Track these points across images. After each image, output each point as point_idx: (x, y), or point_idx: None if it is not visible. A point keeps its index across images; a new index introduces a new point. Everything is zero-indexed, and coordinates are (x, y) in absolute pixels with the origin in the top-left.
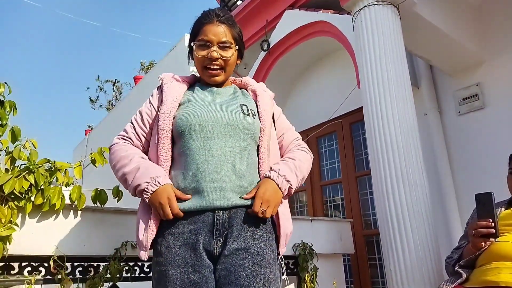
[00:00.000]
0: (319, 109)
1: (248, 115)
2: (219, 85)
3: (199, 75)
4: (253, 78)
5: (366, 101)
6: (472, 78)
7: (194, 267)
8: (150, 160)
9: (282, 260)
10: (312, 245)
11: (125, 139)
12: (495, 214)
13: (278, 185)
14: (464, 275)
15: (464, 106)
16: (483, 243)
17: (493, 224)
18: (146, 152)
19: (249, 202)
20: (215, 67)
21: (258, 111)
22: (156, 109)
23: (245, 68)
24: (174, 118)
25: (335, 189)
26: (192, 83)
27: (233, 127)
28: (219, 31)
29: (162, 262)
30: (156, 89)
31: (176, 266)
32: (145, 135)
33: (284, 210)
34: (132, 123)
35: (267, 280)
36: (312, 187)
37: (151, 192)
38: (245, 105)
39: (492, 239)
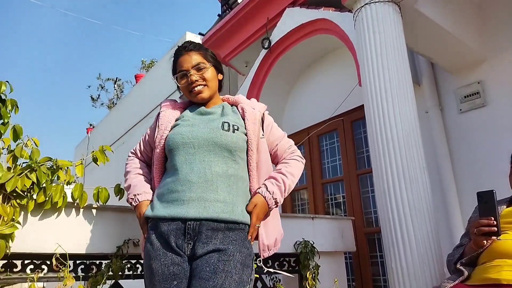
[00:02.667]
0: (320, 107)
1: (228, 130)
2: (209, 103)
3: None
4: (254, 76)
5: (367, 99)
6: (473, 76)
7: (174, 260)
8: (152, 170)
9: (263, 268)
10: (313, 243)
11: (133, 153)
12: (497, 212)
13: (268, 205)
14: (466, 273)
15: (466, 104)
16: (484, 241)
17: (495, 222)
18: (150, 163)
19: (219, 217)
20: (199, 87)
21: (246, 128)
22: (154, 133)
23: (246, 66)
24: (166, 138)
25: (337, 187)
26: (187, 106)
27: (212, 143)
28: (190, 59)
29: (148, 257)
30: (157, 114)
31: (158, 260)
32: (147, 152)
33: (273, 219)
34: (140, 141)
35: (229, 279)
36: (314, 185)
37: (134, 206)
38: (227, 122)
39: (493, 237)
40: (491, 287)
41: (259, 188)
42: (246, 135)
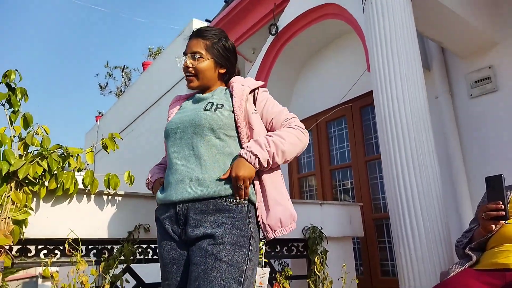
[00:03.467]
0: (328, 94)
1: (209, 110)
2: (206, 90)
3: None
4: (261, 63)
5: (376, 84)
6: (484, 61)
7: (172, 246)
8: None
9: (263, 245)
10: (321, 228)
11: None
12: (505, 196)
13: (246, 160)
14: (475, 258)
15: (476, 89)
16: (493, 226)
17: (503, 207)
18: None
19: (206, 193)
20: (188, 74)
21: (232, 105)
22: None
23: (253, 53)
24: None
25: (345, 174)
26: (192, 96)
27: (193, 124)
28: (191, 44)
29: (157, 244)
30: None
31: (161, 246)
32: None
33: (276, 196)
34: None
35: (218, 262)
36: (322, 171)
37: (151, 188)
38: (211, 102)
39: (502, 222)
40: (500, 272)
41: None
42: (233, 112)
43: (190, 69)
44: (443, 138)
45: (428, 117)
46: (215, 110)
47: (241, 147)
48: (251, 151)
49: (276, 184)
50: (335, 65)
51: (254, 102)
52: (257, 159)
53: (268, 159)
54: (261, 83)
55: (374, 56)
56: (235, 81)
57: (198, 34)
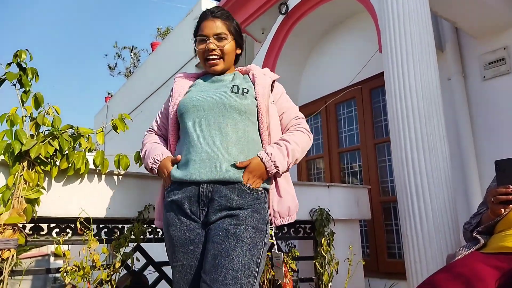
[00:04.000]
0: (338, 75)
1: (237, 93)
2: (221, 73)
3: None
4: (270, 43)
5: (387, 65)
6: (499, 41)
7: (189, 226)
8: (168, 140)
9: (274, 233)
10: (329, 210)
11: (150, 131)
12: None
13: (266, 168)
14: (482, 241)
15: (490, 70)
16: (502, 210)
17: None
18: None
19: (230, 177)
20: (214, 56)
21: (255, 92)
22: (169, 102)
23: (262, 33)
24: (178, 104)
25: (353, 156)
26: (201, 76)
27: (221, 105)
28: (214, 25)
29: (166, 224)
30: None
31: (174, 226)
32: (164, 124)
33: (285, 184)
34: (157, 116)
35: (240, 243)
36: (330, 154)
37: (156, 168)
38: (237, 85)
39: (511, 205)
40: (507, 256)
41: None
42: (256, 99)
43: (216, 51)
44: (454, 120)
45: (440, 100)
46: (242, 94)
47: (260, 135)
48: (274, 162)
49: (286, 173)
50: (346, 46)
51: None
52: (276, 169)
53: (285, 170)
54: (278, 76)
55: (387, 36)
56: (255, 69)
57: (218, 15)
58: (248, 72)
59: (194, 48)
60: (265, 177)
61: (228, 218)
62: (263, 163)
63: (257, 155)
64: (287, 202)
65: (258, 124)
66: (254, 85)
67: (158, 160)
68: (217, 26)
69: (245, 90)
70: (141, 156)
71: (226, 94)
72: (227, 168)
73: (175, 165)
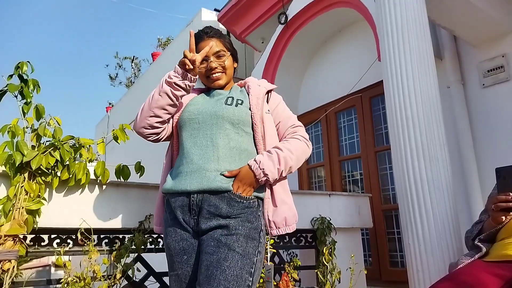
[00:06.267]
0: (338, 83)
1: (230, 104)
2: (223, 87)
3: None
4: (270, 53)
5: (387, 74)
6: (497, 49)
7: (182, 236)
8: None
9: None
10: (330, 219)
11: None
12: None
13: (255, 176)
14: (484, 249)
15: (489, 78)
16: (503, 217)
17: None
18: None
19: (221, 186)
20: (217, 74)
21: (249, 103)
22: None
23: (262, 43)
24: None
25: (354, 164)
26: (202, 92)
27: (214, 116)
28: (211, 44)
29: (164, 233)
30: None
31: (170, 237)
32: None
33: (282, 194)
34: None
35: (231, 253)
36: (331, 162)
37: (174, 68)
38: (231, 97)
39: None
40: (509, 264)
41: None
42: (250, 109)
43: (218, 68)
44: (454, 128)
45: (440, 107)
46: (236, 105)
47: (255, 145)
48: (263, 169)
49: (283, 183)
50: (345, 55)
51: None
52: (265, 177)
53: (276, 178)
54: (275, 86)
55: (385, 45)
56: (251, 81)
57: (212, 34)
58: (245, 85)
59: None
60: (255, 185)
61: (219, 229)
62: (252, 170)
63: (247, 163)
64: (283, 212)
65: (253, 134)
66: (248, 95)
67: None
68: (215, 45)
69: (239, 102)
70: (150, 100)
71: (220, 106)
72: (216, 178)
73: (168, 176)
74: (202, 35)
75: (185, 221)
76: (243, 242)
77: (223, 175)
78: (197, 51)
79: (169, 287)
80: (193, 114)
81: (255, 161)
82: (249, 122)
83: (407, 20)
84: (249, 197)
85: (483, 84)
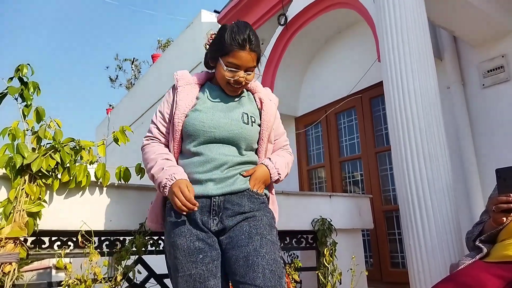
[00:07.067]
0: (338, 84)
1: (247, 123)
2: None
3: (210, 72)
4: (270, 54)
5: (386, 75)
6: (497, 49)
7: (198, 236)
8: (171, 148)
9: None
10: (331, 220)
11: (153, 139)
12: None
13: (270, 174)
14: (485, 250)
15: (489, 78)
16: (504, 218)
17: None
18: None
19: (238, 188)
20: (238, 86)
21: (260, 119)
22: (172, 108)
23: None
24: (185, 119)
25: (354, 165)
26: (204, 82)
27: (232, 135)
28: (249, 59)
29: (171, 234)
30: (171, 89)
31: (183, 237)
32: (167, 131)
33: (272, 196)
34: (155, 123)
35: (264, 240)
36: (331, 163)
37: (169, 186)
38: (246, 114)
39: None
40: (510, 265)
41: (265, 160)
42: (259, 125)
43: (243, 83)
44: (454, 129)
45: (439, 108)
46: (251, 125)
47: (258, 157)
48: (278, 169)
49: (272, 186)
50: (345, 55)
51: None
52: (278, 177)
53: (283, 179)
54: (277, 99)
55: (385, 45)
56: (261, 92)
57: (254, 47)
58: (253, 92)
59: (208, 58)
60: (268, 183)
61: (246, 222)
62: (268, 169)
63: (262, 163)
64: (275, 212)
65: (258, 148)
66: (261, 111)
67: (175, 178)
68: (252, 59)
69: (253, 119)
70: (151, 170)
71: (237, 124)
72: (236, 180)
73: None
74: (245, 44)
75: (202, 222)
76: (269, 230)
77: (241, 175)
78: (233, 57)
79: None
80: (208, 126)
81: (271, 161)
82: (257, 138)
83: (406, 21)
84: (263, 194)
85: (483, 85)
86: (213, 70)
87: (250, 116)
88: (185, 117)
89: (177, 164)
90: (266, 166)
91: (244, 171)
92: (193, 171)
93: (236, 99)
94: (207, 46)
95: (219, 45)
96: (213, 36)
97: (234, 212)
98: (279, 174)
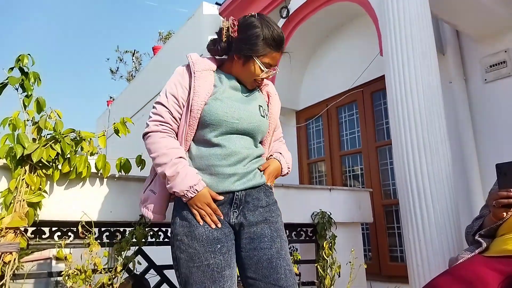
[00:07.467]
0: (339, 78)
1: (264, 116)
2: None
3: (215, 58)
4: None
5: (388, 69)
6: (500, 44)
7: (216, 226)
8: (176, 133)
9: None
10: (330, 213)
11: (163, 125)
12: None
13: (282, 169)
14: (484, 244)
15: (491, 73)
16: (504, 213)
17: None
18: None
19: (257, 183)
20: (262, 82)
21: (269, 112)
22: (188, 94)
23: None
24: (204, 107)
25: (355, 159)
26: (215, 69)
27: (252, 127)
28: (279, 59)
29: (187, 225)
30: (183, 71)
31: (201, 227)
32: (180, 117)
33: None
34: (166, 107)
35: (282, 242)
36: (331, 157)
37: (190, 198)
38: (261, 106)
39: None
40: (509, 259)
41: (274, 154)
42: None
43: (266, 79)
44: (456, 123)
45: (441, 103)
46: (266, 118)
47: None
48: (288, 164)
49: None
50: (347, 49)
51: None
52: (288, 171)
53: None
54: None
55: (387, 39)
56: (268, 84)
57: (284, 49)
58: (262, 87)
59: (231, 44)
60: (277, 177)
61: (266, 225)
62: (281, 164)
63: (274, 158)
64: None
65: (263, 140)
66: (268, 104)
67: (196, 191)
68: (279, 60)
69: (265, 112)
70: (166, 169)
71: (256, 116)
72: (256, 175)
73: (200, 173)
74: (281, 45)
75: (222, 213)
76: (283, 231)
77: (259, 169)
78: (271, 61)
79: (194, 279)
80: (232, 117)
81: (282, 156)
82: (267, 131)
83: (409, 15)
84: (272, 187)
85: (486, 79)
86: (223, 57)
87: (264, 110)
88: (205, 105)
89: (190, 153)
90: (279, 161)
91: (261, 166)
92: (216, 164)
93: (251, 92)
94: (230, 37)
95: (256, 44)
96: (236, 26)
97: (254, 206)
98: (288, 168)
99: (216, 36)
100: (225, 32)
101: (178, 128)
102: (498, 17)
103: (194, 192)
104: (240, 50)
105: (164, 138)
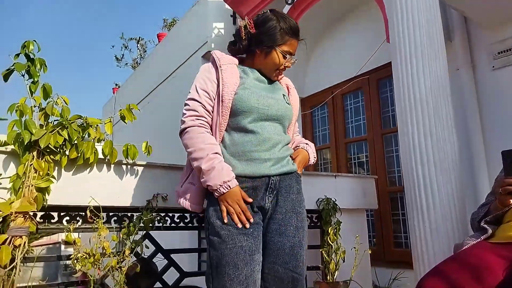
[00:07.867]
0: (345, 65)
1: (289, 104)
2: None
3: (236, 54)
4: None
5: (395, 56)
6: (508, 31)
7: (244, 226)
8: (210, 126)
9: None
10: (335, 200)
11: (199, 119)
12: None
13: (309, 159)
14: (490, 231)
15: (499, 60)
16: (510, 200)
17: None
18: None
19: (290, 169)
20: (282, 72)
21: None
22: (218, 87)
23: None
24: (235, 95)
25: (360, 147)
26: (237, 63)
27: (280, 113)
28: (297, 46)
29: (216, 211)
30: (210, 65)
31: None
32: (212, 110)
33: None
34: (199, 102)
35: (305, 232)
36: (337, 144)
37: (222, 193)
38: (285, 95)
39: None
40: None
41: (301, 144)
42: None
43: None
44: (463, 111)
45: (448, 90)
46: (290, 105)
47: None
48: (314, 154)
49: None
50: (353, 36)
51: None
52: (313, 161)
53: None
54: None
55: (394, 26)
56: (285, 77)
57: (299, 36)
58: (280, 79)
59: (249, 33)
60: (304, 167)
61: (294, 214)
62: (308, 154)
63: (302, 148)
64: None
65: (287, 129)
66: (289, 96)
67: (229, 187)
68: (296, 47)
69: (289, 102)
70: (202, 163)
71: (283, 104)
72: (289, 162)
73: (233, 159)
74: (297, 33)
75: (257, 200)
76: (306, 221)
77: (291, 157)
78: (290, 49)
79: (226, 260)
80: (262, 104)
81: (309, 146)
82: (291, 118)
83: (417, 1)
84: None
85: (493, 67)
86: (243, 55)
87: (287, 98)
88: (235, 94)
89: (224, 142)
90: (307, 151)
91: (292, 154)
92: (252, 150)
93: (274, 83)
94: (249, 33)
95: (275, 35)
96: (253, 25)
97: (287, 192)
98: (314, 158)
99: (233, 38)
100: (244, 30)
101: (211, 121)
102: (506, 4)
103: (227, 188)
104: (261, 43)
105: (201, 134)
